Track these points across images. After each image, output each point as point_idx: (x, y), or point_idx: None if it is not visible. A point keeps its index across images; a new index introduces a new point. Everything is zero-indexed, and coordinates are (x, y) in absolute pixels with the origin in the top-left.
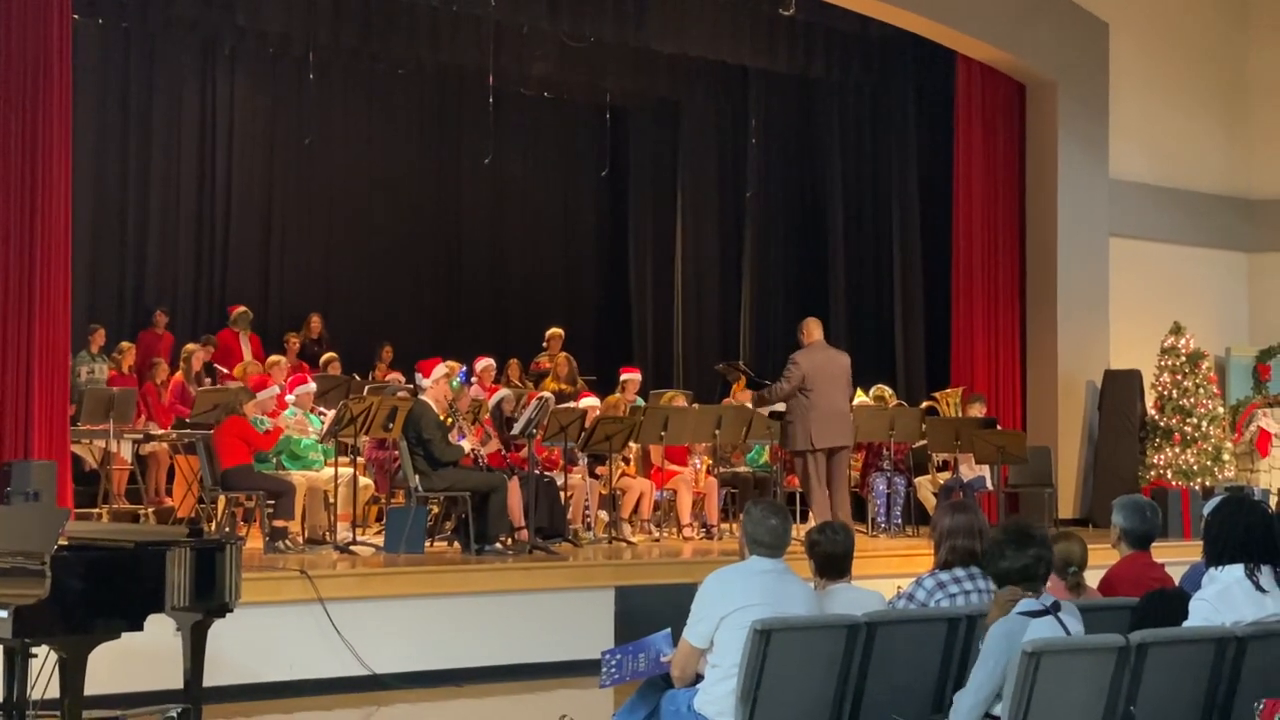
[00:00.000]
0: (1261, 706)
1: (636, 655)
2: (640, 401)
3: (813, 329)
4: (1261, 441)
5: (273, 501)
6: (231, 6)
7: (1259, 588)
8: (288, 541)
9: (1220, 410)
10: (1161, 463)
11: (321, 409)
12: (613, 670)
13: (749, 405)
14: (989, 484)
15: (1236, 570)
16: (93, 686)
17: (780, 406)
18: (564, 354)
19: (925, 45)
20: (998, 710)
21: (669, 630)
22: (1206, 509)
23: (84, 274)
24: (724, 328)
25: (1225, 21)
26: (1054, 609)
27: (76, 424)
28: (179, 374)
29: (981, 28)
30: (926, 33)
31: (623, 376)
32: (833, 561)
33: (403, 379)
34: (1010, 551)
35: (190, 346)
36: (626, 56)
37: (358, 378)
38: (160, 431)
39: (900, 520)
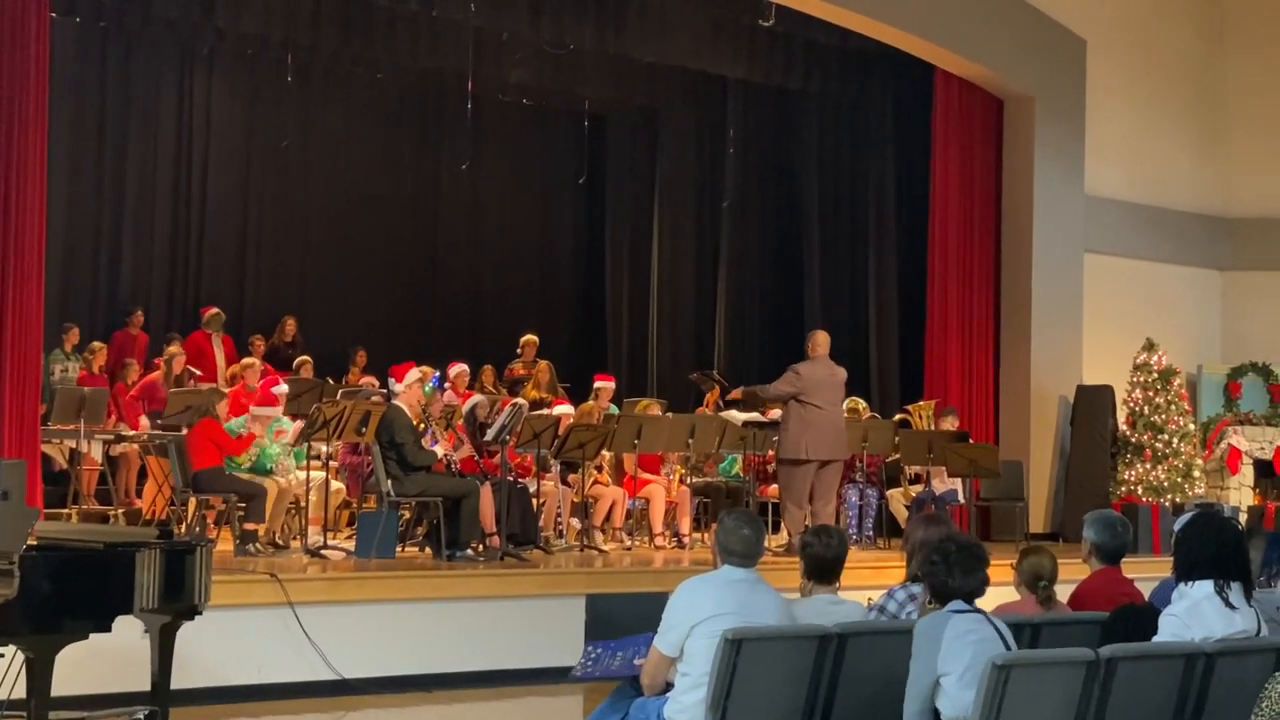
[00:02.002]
0: None
1: (614, 653)
2: (614, 409)
3: (820, 342)
4: (1232, 459)
5: (244, 505)
6: (210, 7)
7: (1228, 604)
8: (258, 544)
9: (1191, 427)
10: (1132, 478)
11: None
12: (588, 665)
13: (724, 414)
14: (961, 497)
15: (1206, 586)
16: (60, 687)
17: (754, 415)
18: (545, 362)
19: (904, 59)
20: (939, 703)
21: (651, 634)
22: (1177, 525)
23: (58, 273)
24: (699, 337)
25: (1202, 40)
26: (976, 609)
27: (47, 423)
28: (156, 374)
29: (960, 43)
30: (905, 46)
31: (596, 384)
32: (823, 566)
33: (376, 383)
34: (959, 573)
35: (173, 349)
36: (606, 64)
37: (331, 381)
38: (131, 432)
39: (872, 532)
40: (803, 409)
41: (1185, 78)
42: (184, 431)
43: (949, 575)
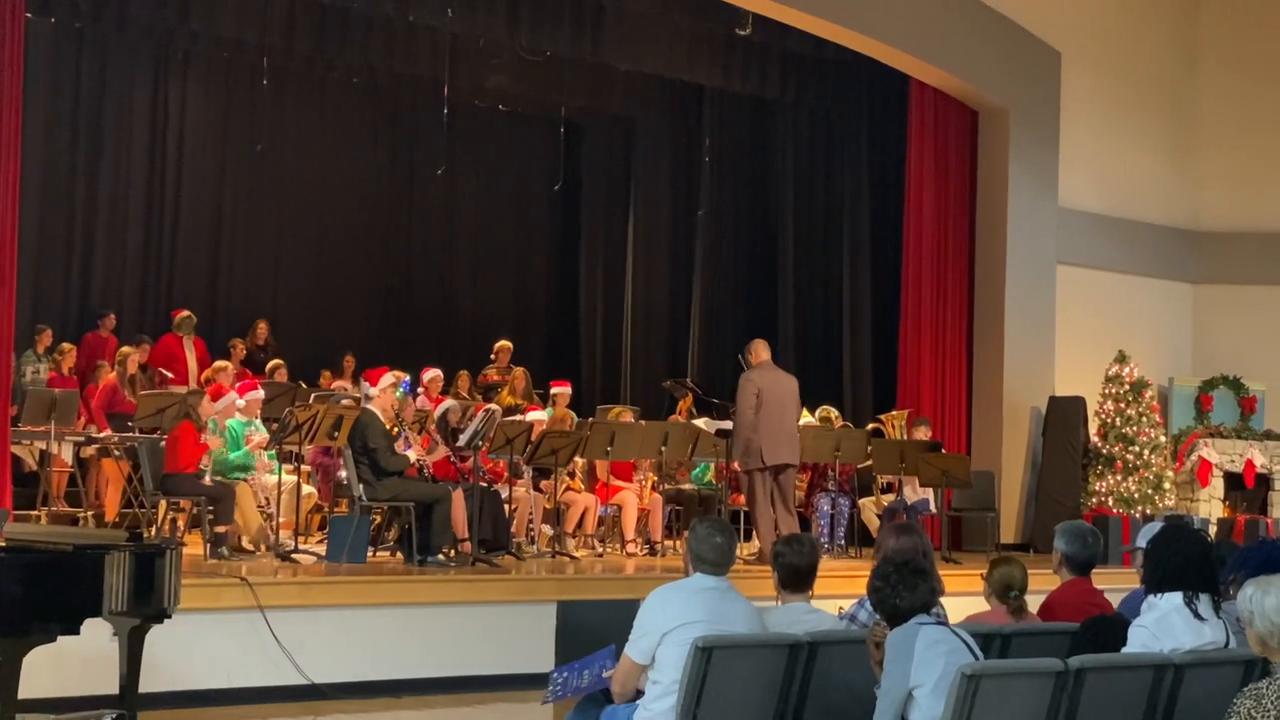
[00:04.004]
0: None
1: (581, 672)
2: (572, 415)
3: (760, 350)
4: (1202, 471)
5: (212, 507)
6: (186, 10)
7: (1197, 616)
8: (228, 548)
9: (1162, 439)
10: (1103, 490)
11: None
12: (557, 687)
13: (696, 422)
14: (933, 507)
15: (1175, 598)
16: (27, 690)
17: (726, 423)
18: (521, 369)
19: (879, 69)
20: (911, 714)
21: (613, 646)
22: (1140, 537)
23: (30, 274)
24: (672, 345)
25: (1176, 55)
26: (942, 622)
27: (17, 424)
28: (112, 375)
29: (935, 54)
30: (881, 57)
31: (553, 390)
32: (797, 574)
33: (349, 387)
34: (905, 592)
35: (125, 349)
36: (582, 71)
37: (304, 385)
38: (102, 434)
39: (844, 541)
40: (754, 416)
41: (1159, 92)
42: (156, 434)
43: (897, 596)
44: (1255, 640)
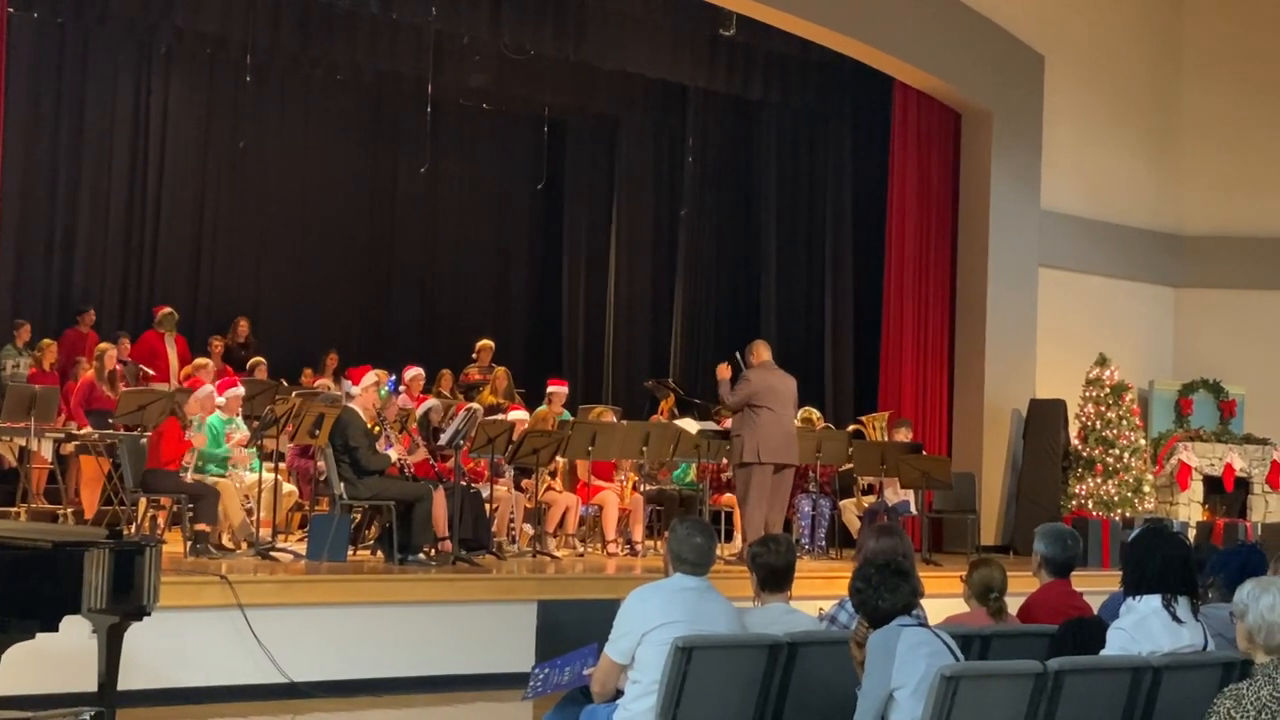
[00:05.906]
0: None
1: (562, 669)
2: (567, 415)
3: (761, 350)
4: (1182, 474)
5: (193, 505)
6: (169, 6)
7: (1176, 619)
8: (208, 545)
9: (1142, 442)
10: (1083, 492)
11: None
12: (537, 684)
13: (678, 422)
14: (913, 508)
15: (1154, 601)
16: (5, 687)
17: (709, 424)
18: (503, 369)
19: (863, 71)
20: (892, 716)
21: (596, 644)
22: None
23: (10, 269)
24: (654, 345)
25: (1159, 59)
26: (923, 624)
27: None
28: (90, 372)
29: (919, 56)
30: (865, 58)
31: (549, 389)
32: (774, 574)
33: (331, 385)
34: (887, 594)
35: (104, 345)
36: (566, 71)
37: (285, 383)
38: (83, 431)
39: (824, 542)
40: (754, 414)
41: (1142, 95)
42: (138, 431)
43: (878, 598)
44: (1243, 635)
